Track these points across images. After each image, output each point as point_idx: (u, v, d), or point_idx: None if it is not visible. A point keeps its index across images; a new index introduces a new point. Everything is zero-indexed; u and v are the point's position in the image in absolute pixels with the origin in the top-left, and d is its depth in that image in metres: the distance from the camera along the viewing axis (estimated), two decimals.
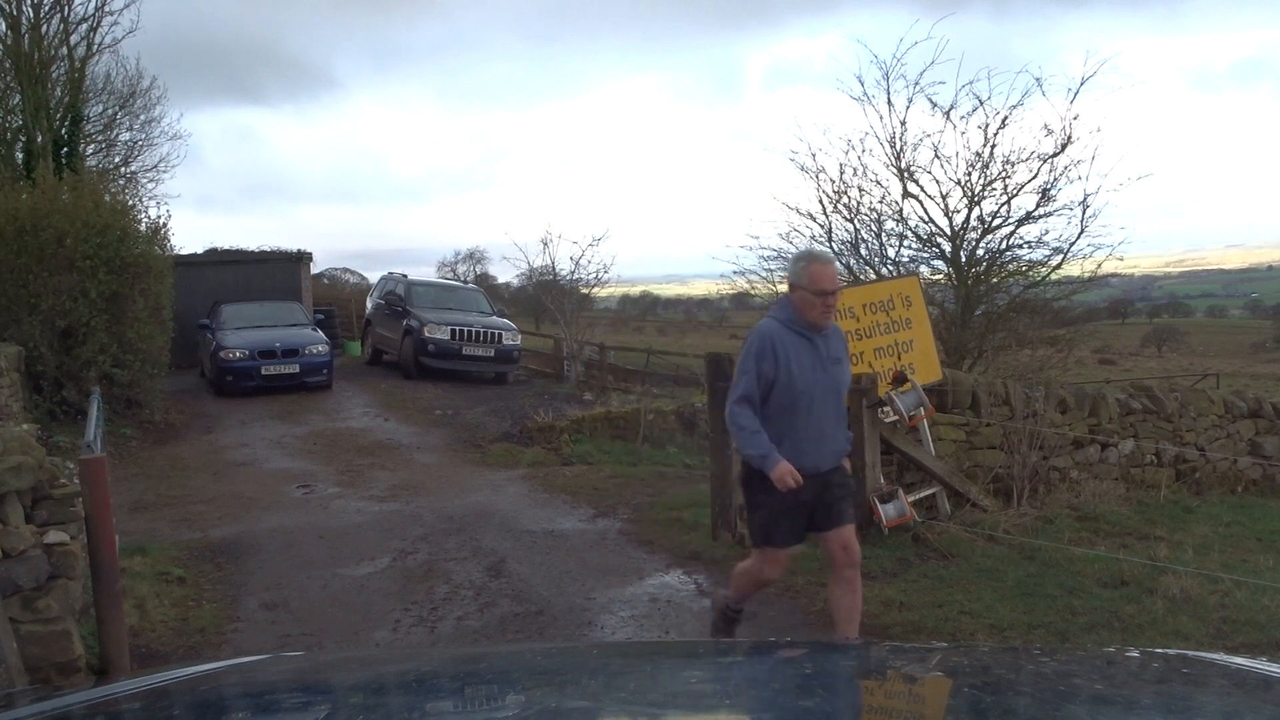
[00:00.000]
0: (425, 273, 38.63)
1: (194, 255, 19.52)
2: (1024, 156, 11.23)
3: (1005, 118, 11.12)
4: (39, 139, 17.49)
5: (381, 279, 19.78)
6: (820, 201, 11.93)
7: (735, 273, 12.75)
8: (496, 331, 16.88)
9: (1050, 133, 11.09)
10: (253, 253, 20.57)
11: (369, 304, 20.09)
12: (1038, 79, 13.32)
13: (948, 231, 11.72)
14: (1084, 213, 11.23)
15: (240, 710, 1.54)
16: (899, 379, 6.87)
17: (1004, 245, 11.71)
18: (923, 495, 7.02)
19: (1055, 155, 11.12)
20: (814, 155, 11.93)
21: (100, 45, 18.35)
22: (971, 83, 11.91)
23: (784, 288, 13.49)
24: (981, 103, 11.18)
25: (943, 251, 11.87)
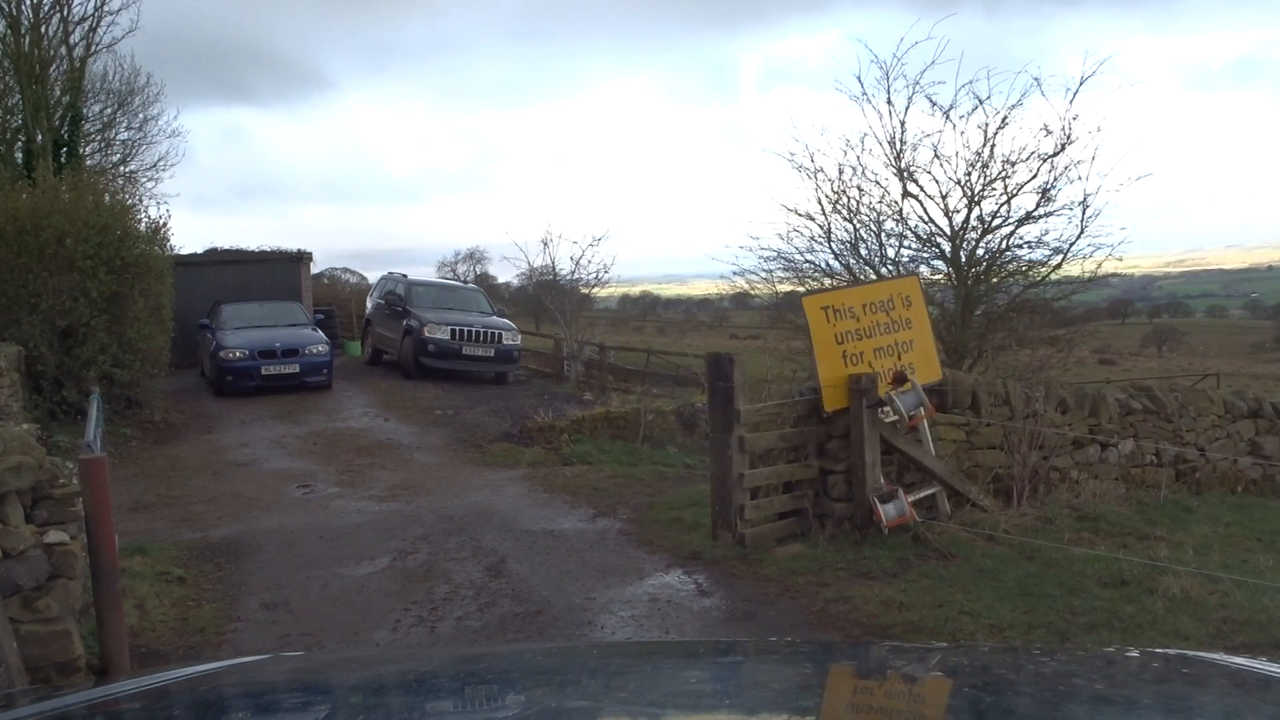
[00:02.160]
0: (425, 273, 38.63)
1: (194, 255, 19.51)
2: (1024, 156, 11.22)
3: (1005, 118, 11.11)
4: (39, 138, 17.49)
5: (381, 279, 19.77)
6: (819, 202, 11.92)
7: (735, 273, 12.75)
8: (496, 331, 16.88)
9: (1050, 133, 11.08)
10: (253, 253, 20.56)
11: (369, 304, 20.09)
12: (1037, 79, 13.35)
13: (947, 231, 11.72)
14: (1084, 213, 11.23)
15: (240, 710, 1.54)
16: (899, 379, 6.87)
17: (1004, 245, 11.70)
18: (923, 495, 7.02)
19: (1055, 155, 11.11)
20: (812, 156, 11.93)
21: (100, 45, 18.38)
22: (971, 82, 11.86)
23: (784, 288, 13.44)
24: (981, 102, 11.17)
25: (942, 251, 11.87)
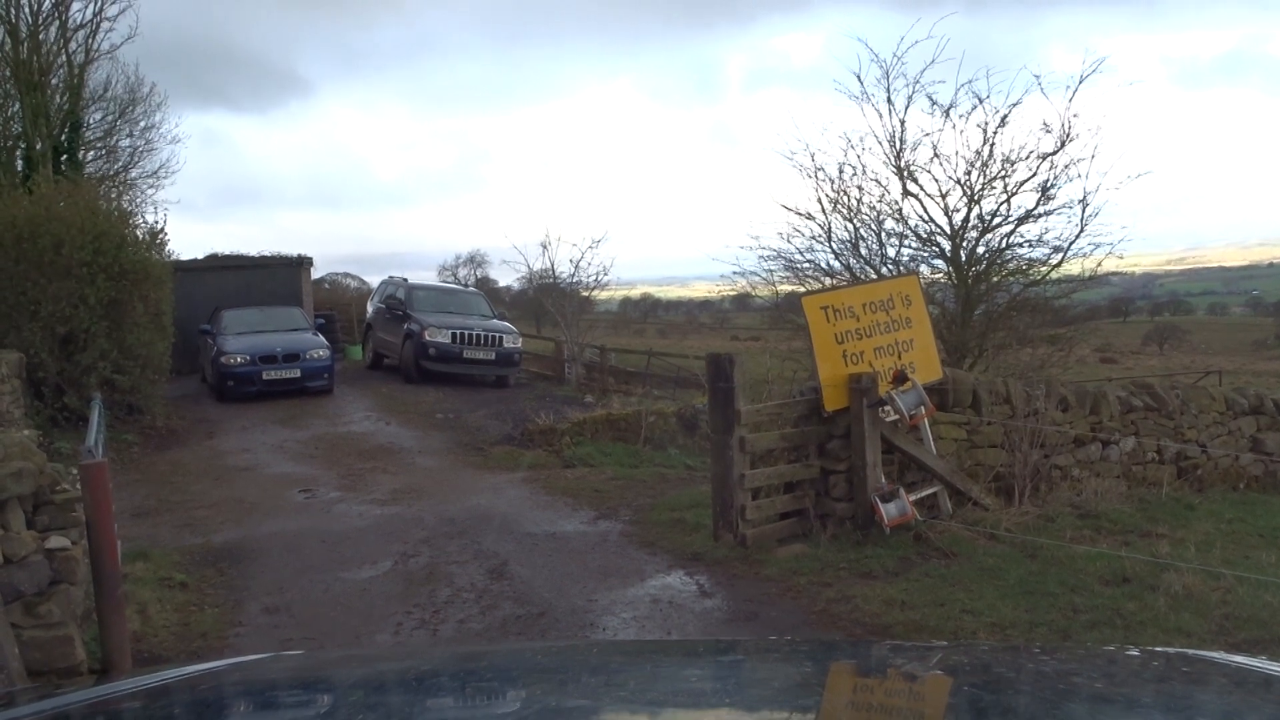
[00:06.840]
0: (425, 276, 38.66)
1: (195, 261, 19.54)
2: (1023, 155, 11.23)
3: (1005, 116, 11.12)
4: (39, 146, 17.50)
5: (382, 283, 19.79)
6: (819, 201, 11.94)
7: (735, 274, 12.75)
8: (497, 335, 16.88)
9: (1049, 131, 11.10)
10: (253, 258, 20.58)
11: (370, 308, 20.10)
12: (1037, 77, 13.38)
13: (947, 230, 11.72)
14: (1084, 211, 11.23)
15: (240, 708, 1.54)
16: (899, 378, 6.87)
17: (1004, 244, 11.71)
18: (924, 494, 7.01)
19: (1055, 153, 11.12)
20: (812, 155, 11.94)
21: (98, 51, 18.39)
22: (971, 81, 11.95)
23: (785, 289, 13.46)
24: (981, 101, 11.18)
25: (942, 250, 11.87)
